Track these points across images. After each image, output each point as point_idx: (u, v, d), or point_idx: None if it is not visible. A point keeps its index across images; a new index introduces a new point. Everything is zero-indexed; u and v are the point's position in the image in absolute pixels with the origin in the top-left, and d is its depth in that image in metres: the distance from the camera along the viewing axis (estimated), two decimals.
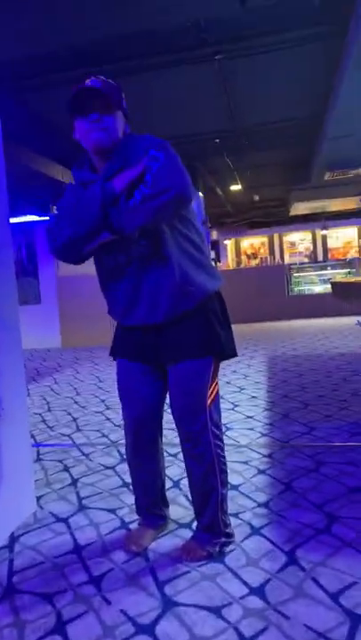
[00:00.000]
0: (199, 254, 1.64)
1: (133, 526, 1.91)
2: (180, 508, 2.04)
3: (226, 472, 1.73)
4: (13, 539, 1.90)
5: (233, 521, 1.89)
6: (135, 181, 1.45)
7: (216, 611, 1.40)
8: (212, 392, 1.67)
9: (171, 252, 1.55)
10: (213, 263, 10.88)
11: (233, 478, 2.31)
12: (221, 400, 3.80)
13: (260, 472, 2.37)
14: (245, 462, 2.50)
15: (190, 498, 2.11)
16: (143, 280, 1.57)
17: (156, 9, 3.50)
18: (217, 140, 6.42)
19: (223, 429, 3.03)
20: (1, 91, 4.33)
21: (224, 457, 1.72)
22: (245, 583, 1.51)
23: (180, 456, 2.62)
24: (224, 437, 2.89)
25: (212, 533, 1.69)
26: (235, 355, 1.71)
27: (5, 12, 3.38)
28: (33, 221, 8.77)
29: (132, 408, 1.74)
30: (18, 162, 5.80)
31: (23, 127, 5.44)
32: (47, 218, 8.69)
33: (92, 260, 1.65)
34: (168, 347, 1.63)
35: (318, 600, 1.41)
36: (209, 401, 1.66)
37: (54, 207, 1.65)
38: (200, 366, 1.63)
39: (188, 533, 1.83)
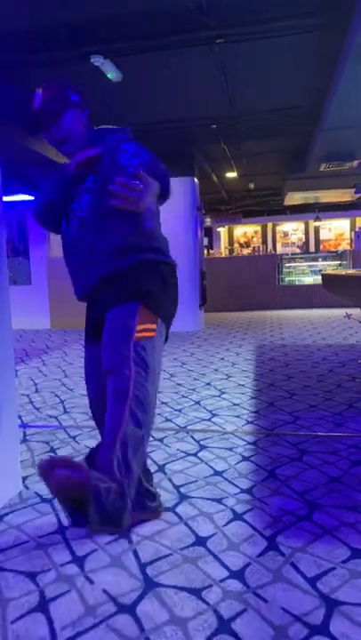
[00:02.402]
0: (150, 232, 1.68)
1: None
2: (165, 491, 2.06)
3: (147, 412, 1.47)
4: None
5: (216, 506, 1.93)
6: (93, 160, 1.67)
7: (196, 592, 1.43)
8: (140, 331, 1.55)
9: (114, 220, 1.61)
10: (206, 251, 10.87)
11: (218, 464, 2.34)
12: (208, 387, 3.87)
13: (245, 459, 2.41)
14: (230, 449, 2.54)
15: (173, 482, 2.14)
16: (85, 247, 1.66)
17: None
18: (214, 126, 6.35)
19: (210, 416, 3.08)
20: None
21: (143, 399, 1.47)
22: (226, 567, 1.54)
23: (166, 440, 2.66)
24: (210, 424, 2.94)
25: (103, 471, 1.32)
26: (168, 314, 1.68)
27: None
28: (25, 201, 8.64)
29: (90, 392, 1.79)
30: (11, 140, 5.69)
31: (18, 105, 5.33)
32: None
33: None
34: (103, 301, 1.65)
35: (296, 584, 1.45)
36: (135, 336, 1.53)
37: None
38: (125, 309, 1.58)
39: (172, 517, 1.86)
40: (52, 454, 2.55)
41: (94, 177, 1.67)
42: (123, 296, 1.60)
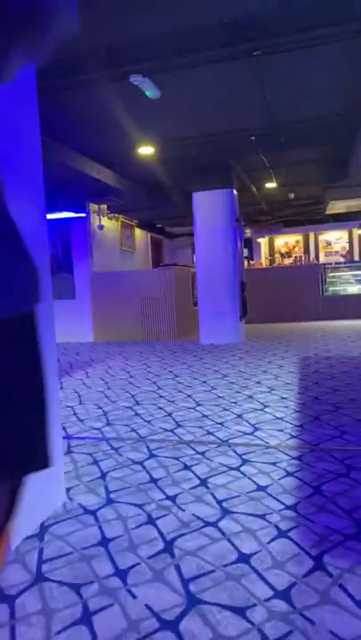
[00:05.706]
0: None
1: (160, 522, 1.92)
2: (207, 506, 2.04)
3: None
4: (43, 528, 1.95)
5: (260, 523, 1.89)
6: None
7: (240, 611, 1.39)
8: None
9: None
10: (246, 262, 10.79)
11: (261, 479, 2.29)
12: (251, 400, 3.81)
13: (289, 474, 2.34)
14: (274, 463, 2.48)
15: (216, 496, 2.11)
16: None
17: (194, 6, 3.49)
18: (252, 138, 6.35)
19: (252, 430, 3.03)
20: (43, 88, 4.41)
21: None
22: (271, 586, 1.50)
23: (208, 454, 2.64)
24: (253, 437, 2.89)
25: None
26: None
27: None
28: (69, 218, 8.93)
29: None
30: (55, 159, 5.91)
31: (61, 125, 5.53)
32: (83, 215, 8.84)
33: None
34: None
35: (345, 607, 1.39)
36: None
37: None
38: None
39: (215, 532, 1.83)
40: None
41: None
42: None
